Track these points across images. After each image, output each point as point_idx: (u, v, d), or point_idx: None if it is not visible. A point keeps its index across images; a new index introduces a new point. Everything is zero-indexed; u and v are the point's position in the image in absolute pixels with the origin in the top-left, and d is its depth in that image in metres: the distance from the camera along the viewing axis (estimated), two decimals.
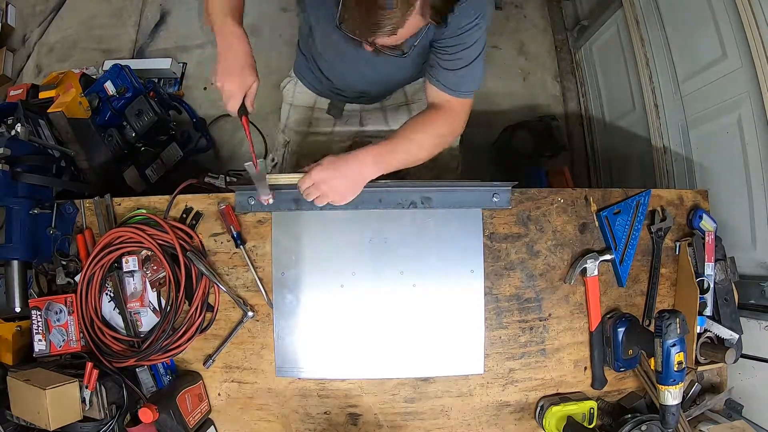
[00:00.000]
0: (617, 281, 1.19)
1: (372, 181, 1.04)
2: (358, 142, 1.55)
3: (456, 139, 1.25)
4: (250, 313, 1.13)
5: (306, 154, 1.46)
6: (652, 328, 1.03)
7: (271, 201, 1.09)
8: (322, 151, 1.42)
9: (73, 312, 1.09)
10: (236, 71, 0.92)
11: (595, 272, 1.15)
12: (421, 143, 1.04)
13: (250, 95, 0.96)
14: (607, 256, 1.15)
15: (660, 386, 0.98)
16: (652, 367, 1.00)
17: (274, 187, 1.08)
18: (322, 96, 1.42)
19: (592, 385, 1.18)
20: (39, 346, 1.08)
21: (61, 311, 1.09)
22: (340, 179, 1.00)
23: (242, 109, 0.96)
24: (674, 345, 0.95)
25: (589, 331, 1.17)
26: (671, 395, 0.97)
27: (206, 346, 1.15)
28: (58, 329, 1.09)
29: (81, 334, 1.09)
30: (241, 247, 1.13)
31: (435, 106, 1.07)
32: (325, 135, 1.46)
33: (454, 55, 0.99)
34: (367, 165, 1.00)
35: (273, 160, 1.52)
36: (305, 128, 1.45)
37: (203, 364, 1.14)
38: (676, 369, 0.95)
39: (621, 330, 1.12)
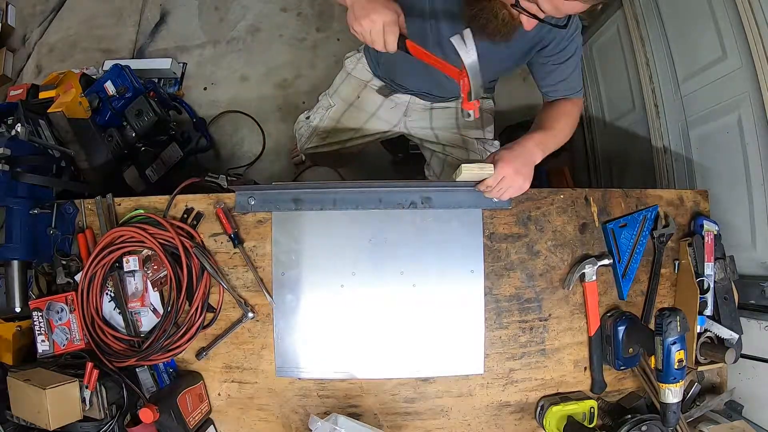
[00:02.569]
0: (618, 294, 1.19)
1: (371, 181, 1.04)
2: (382, 141, 1.61)
3: None
4: (250, 314, 1.13)
5: (340, 128, 1.49)
6: (652, 326, 1.03)
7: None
8: (355, 126, 1.49)
9: (74, 310, 1.09)
10: (382, 3, 0.86)
11: (594, 277, 1.14)
12: (564, 128, 1.15)
13: (402, 24, 0.89)
14: (606, 261, 1.15)
15: (660, 384, 0.98)
16: (653, 366, 1.00)
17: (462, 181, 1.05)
18: (378, 78, 1.43)
19: (592, 389, 1.18)
20: (42, 347, 1.08)
21: (62, 310, 1.09)
22: (522, 170, 1.04)
23: (402, 40, 0.89)
24: (675, 343, 0.95)
25: (587, 336, 1.17)
26: (672, 393, 0.97)
27: (206, 345, 1.15)
28: (60, 328, 1.09)
29: (84, 331, 1.09)
30: (239, 246, 1.13)
31: (557, 101, 1.19)
32: (367, 114, 1.47)
33: (564, 61, 1.10)
34: (535, 153, 1.07)
35: (308, 118, 1.54)
36: (352, 99, 1.46)
37: (195, 356, 1.14)
38: (676, 367, 0.95)
39: (621, 328, 1.12)
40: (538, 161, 1.08)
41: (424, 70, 1.17)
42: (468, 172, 1.01)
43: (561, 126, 1.14)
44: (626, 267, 1.18)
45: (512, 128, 2.31)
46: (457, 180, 1.03)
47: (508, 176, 1.03)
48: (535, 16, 0.83)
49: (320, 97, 1.53)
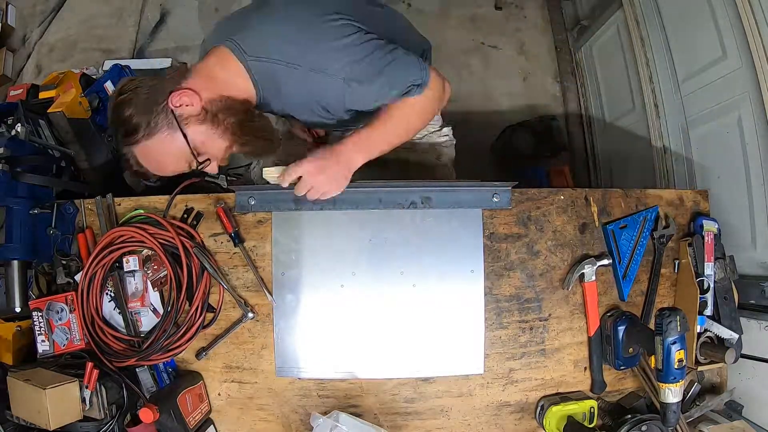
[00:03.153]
0: (618, 295, 1.19)
1: (371, 181, 1.04)
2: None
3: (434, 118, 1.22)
4: (250, 314, 1.13)
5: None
6: (652, 326, 1.03)
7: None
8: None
9: (74, 309, 1.09)
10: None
11: (593, 277, 1.14)
12: (400, 118, 1.02)
13: None
14: (605, 261, 1.14)
15: (661, 384, 0.98)
16: (653, 365, 1.00)
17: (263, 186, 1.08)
18: None
19: (592, 390, 1.18)
20: (42, 347, 1.08)
21: (62, 310, 1.09)
22: (326, 170, 0.98)
23: None
24: (675, 342, 0.95)
25: (587, 336, 1.17)
26: (672, 393, 0.97)
27: (206, 345, 1.15)
28: (60, 328, 1.09)
29: (83, 331, 1.09)
30: (240, 245, 1.13)
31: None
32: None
33: (363, 87, 0.98)
34: (348, 152, 0.99)
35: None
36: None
37: (195, 356, 1.14)
38: (676, 366, 0.95)
39: (621, 328, 1.12)
40: (356, 162, 1.00)
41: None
42: (269, 175, 1.03)
43: (396, 114, 1.01)
44: (627, 268, 1.18)
45: (512, 128, 2.32)
46: (266, 181, 1.04)
47: (308, 175, 0.98)
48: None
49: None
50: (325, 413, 1.14)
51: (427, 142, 1.40)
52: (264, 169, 1.04)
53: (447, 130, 1.42)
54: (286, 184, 1.00)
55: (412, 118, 1.04)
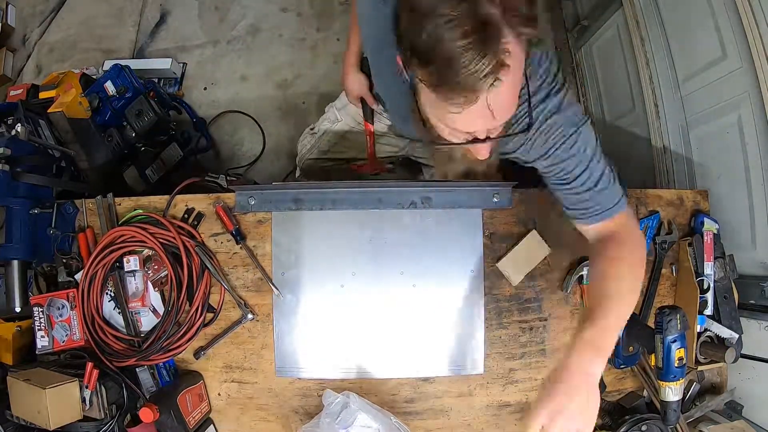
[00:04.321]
0: None
1: (371, 181, 1.03)
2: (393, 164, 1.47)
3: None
4: (249, 315, 1.13)
5: (344, 145, 1.41)
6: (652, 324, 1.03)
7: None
8: (360, 148, 1.36)
9: (75, 307, 1.09)
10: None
11: None
12: (626, 291, 0.81)
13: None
14: None
15: (661, 382, 0.98)
16: (653, 364, 1.00)
17: None
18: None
19: None
20: (42, 342, 1.08)
21: (63, 306, 1.09)
22: (576, 403, 0.72)
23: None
24: (675, 341, 0.95)
25: None
26: (672, 391, 0.97)
27: (204, 345, 1.15)
28: (60, 324, 1.09)
29: (84, 330, 1.09)
30: (242, 242, 1.13)
31: (601, 239, 0.89)
32: (378, 133, 1.38)
33: (568, 181, 0.85)
34: (593, 367, 0.75)
35: (312, 129, 1.45)
36: (360, 120, 1.37)
37: (194, 356, 1.14)
38: (676, 365, 0.95)
39: None
40: (598, 375, 0.75)
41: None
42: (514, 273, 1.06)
43: (621, 287, 0.81)
44: None
45: None
46: None
47: (557, 414, 0.71)
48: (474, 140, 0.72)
49: (327, 108, 1.45)
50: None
51: None
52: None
53: None
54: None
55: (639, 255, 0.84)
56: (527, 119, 0.76)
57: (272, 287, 1.13)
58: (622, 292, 0.81)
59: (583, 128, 0.83)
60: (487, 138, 0.72)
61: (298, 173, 1.52)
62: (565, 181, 0.86)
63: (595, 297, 0.82)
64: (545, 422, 0.72)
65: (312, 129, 1.48)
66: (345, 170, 1.46)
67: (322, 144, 1.44)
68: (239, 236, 1.13)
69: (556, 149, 0.83)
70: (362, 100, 1.30)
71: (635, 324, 1.11)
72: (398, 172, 1.56)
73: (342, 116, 1.40)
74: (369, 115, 1.31)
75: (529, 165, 0.91)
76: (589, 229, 0.90)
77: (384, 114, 1.32)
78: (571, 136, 0.82)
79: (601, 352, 0.76)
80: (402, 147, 1.43)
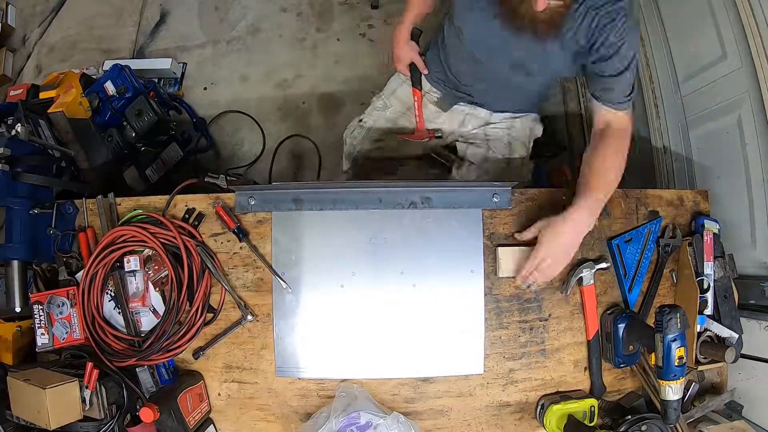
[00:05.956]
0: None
1: (371, 181, 1.04)
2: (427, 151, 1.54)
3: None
4: (249, 317, 1.13)
5: (395, 131, 1.48)
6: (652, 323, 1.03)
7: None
8: (406, 130, 1.45)
9: (75, 304, 1.09)
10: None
11: (591, 281, 1.14)
12: (612, 169, 1.06)
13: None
14: (603, 265, 1.14)
15: (661, 381, 0.98)
16: (653, 363, 1.00)
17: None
18: (436, 87, 1.40)
19: (591, 393, 1.18)
20: (42, 339, 1.08)
21: (63, 304, 1.09)
22: (563, 250, 1.02)
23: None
24: (675, 340, 0.94)
25: (586, 339, 1.17)
26: (672, 390, 0.97)
27: (204, 345, 1.15)
28: (60, 322, 1.09)
29: (84, 328, 1.09)
30: (245, 239, 1.13)
31: (602, 131, 1.11)
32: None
33: (615, 74, 1.02)
34: (584, 223, 1.01)
35: (361, 120, 1.49)
36: (410, 104, 1.43)
37: (193, 356, 1.14)
38: (676, 364, 0.95)
39: (621, 325, 1.11)
40: (586, 232, 1.03)
41: (498, 66, 1.18)
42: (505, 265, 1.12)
43: (608, 165, 1.06)
44: (632, 282, 1.18)
45: None
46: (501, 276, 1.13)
47: (544, 259, 1.02)
48: None
49: (373, 99, 1.49)
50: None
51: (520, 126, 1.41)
52: (498, 250, 1.14)
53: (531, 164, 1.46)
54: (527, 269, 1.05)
55: (623, 148, 1.10)
56: None
57: (279, 280, 1.12)
58: (611, 168, 1.06)
59: (629, 16, 0.98)
60: None
61: (347, 165, 1.56)
62: (608, 73, 1.03)
63: (590, 170, 1.05)
64: (536, 233, 1.04)
65: (361, 120, 1.50)
66: (392, 163, 1.57)
67: (373, 133, 1.48)
68: (241, 234, 1.12)
69: (604, 30, 0.98)
70: (412, 68, 1.37)
71: (635, 323, 1.12)
72: (425, 169, 1.63)
73: (392, 102, 1.45)
74: (418, 80, 1.38)
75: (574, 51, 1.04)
76: (600, 116, 1.11)
77: (435, 85, 1.40)
78: (620, 18, 0.97)
79: (594, 211, 1.02)
80: (450, 132, 1.47)
